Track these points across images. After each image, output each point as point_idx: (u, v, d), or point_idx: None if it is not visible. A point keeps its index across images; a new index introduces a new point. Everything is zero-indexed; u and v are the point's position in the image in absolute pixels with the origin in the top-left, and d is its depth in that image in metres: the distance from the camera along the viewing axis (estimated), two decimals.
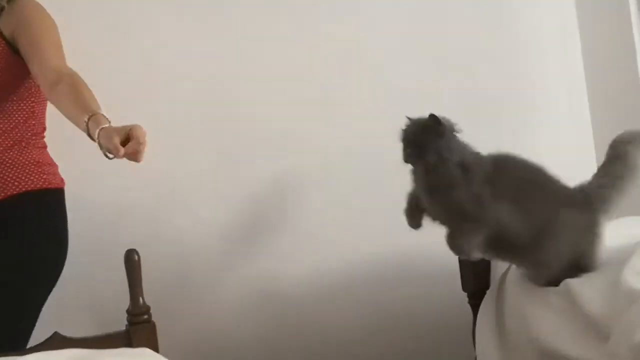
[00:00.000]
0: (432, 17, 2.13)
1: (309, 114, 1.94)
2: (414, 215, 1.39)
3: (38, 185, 1.55)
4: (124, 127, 1.25)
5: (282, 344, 1.95)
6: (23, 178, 1.54)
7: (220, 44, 1.94)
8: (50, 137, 1.66)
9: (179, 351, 1.75)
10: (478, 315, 1.60)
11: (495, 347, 1.55)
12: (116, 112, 1.77)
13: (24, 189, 1.53)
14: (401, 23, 2.09)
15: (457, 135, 1.31)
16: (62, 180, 1.64)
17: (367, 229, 1.99)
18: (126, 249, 1.43)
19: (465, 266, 1.70)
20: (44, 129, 1.65)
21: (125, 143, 1.23)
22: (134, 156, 1.23)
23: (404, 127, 1.31)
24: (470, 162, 1.29)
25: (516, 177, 1.36)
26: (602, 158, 2.30)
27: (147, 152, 1.79)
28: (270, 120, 1.95)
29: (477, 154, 1.34)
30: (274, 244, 1.94)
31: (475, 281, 1.67)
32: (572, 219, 1.33)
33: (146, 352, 1.33)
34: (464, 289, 1.72)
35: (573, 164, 2.28)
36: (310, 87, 1.91)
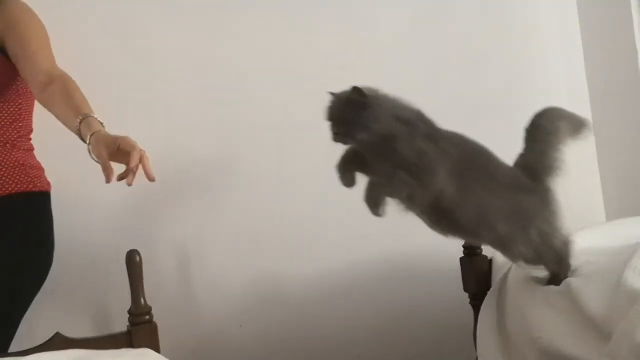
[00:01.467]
0: (432, 17, 2.13)
1: (309, 114, 1.93)
2: (346, 170, 1.27)
3: (22, 188, 1.53)
4: (113, 139, 1.24)
5: (283, 345, 1.95)
6: (7, 180, 1.52)
7: (220, 45, 1.94)
8: (50, 137, 1.66)
9: (180, 351, 1.76)
10: (479, 316, 1.60)
11: (496, 347, 1.55)
12: (116, 112, 1.79)
13: (7, 192, 1.51)
14: (401, 22, 2.09)
15: (390, 99, 1.22)
16: (48, 183, 1.62)
17: (369, 230, 1.98)
18: (127, 250, 1.43)
19: (467, 267, 1.70)
20: (31, 130, 1.63)
21: (115, 154, 1.23)
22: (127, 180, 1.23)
23: (328, 105, 1.22)
24: (409, 116, 1.21)
25: (460, 147, 1.27)
26: (603, 156, 2.34)
27: (149, 153, 1.82)
28: (271, 120, 1.95)
29: (418, 111, 1.25)
30: (275, 245, 1.94)
31: (477, 282, 1.67)
32: (523, 201, 1.29)
33: (147, 352, 1.34)
34: (466, 289, 1.72)
35: (573, 163, 2.30)
36: (310, 87, 1.91)
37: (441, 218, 1.28)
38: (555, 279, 1.37)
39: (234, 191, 1.93)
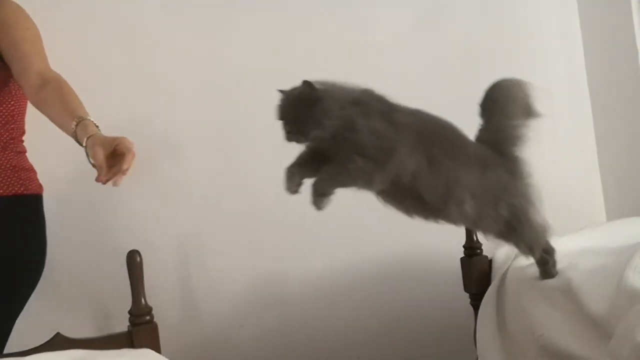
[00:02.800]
0: (432, 17, 2.13)
1: None
2: (296, 175, 1.20)
3: (14, 191, 1.52)
4: (111, 140, 1.24)
5: (283, 345, 1.95)
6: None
7: (220, 45, 1.94)
8: (52, 136, 1.66)
9: (180, 352, 1.76)
10: (478, 315, 1.60)
11: (496, 346, 1.55)
12: (117, 112, 1.79)
13: None
14: (402, 23, 2.09)
15: (340, 88, 1.16)
16: (40, 186, 1.61)
17: (369, 230, 1.99)
18: (128, 250, 1.43)
19: (467, 267, 1.70)
20: (23, 132, 1.61)
21: (111, 156, 1.23)
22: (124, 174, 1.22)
23: (278, 104, 1.18)
24: (359, 97, 1.16)
25: (420, 119, 1.22)
26: (603, 156, 2.34)
27: (150, 154, 1.83)
28: (272, 120, 1.94)
29: (368, 90, 1.20)
30: (275, 245, 1.94)
31: (477, 282, 1.67)
32: (491, 174, 1.24)
33: (148, 352, 1.33)
34: (466, 289, 1.72)
35: (574, 162, 2.30)
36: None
37: (405, 197, 1.22)
38: (540, 261, 1.33)
39: (234, 191, 1.93)
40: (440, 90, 2.06)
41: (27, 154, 1.62)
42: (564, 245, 1.65)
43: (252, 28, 1.96)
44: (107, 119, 1.78)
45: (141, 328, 1.40)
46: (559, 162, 2.28)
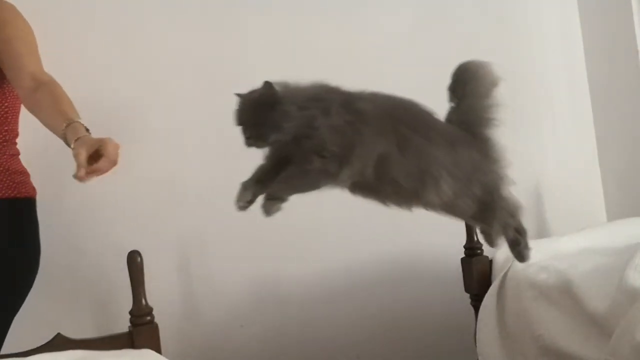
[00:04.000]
0: (433, 18, 2.13)
1: None
2: (249, 189, 1.16)
3: (6, 195, 1.50)
4: (96, 141, 1.24)
5: (283, 345, 1.95)
6: None
7: (221, 46, 1.94)
8: (46, 138, 1.66)
9: (181, 352, 1.76)
10: (479, 316, 1.60)
11: (496, 346, 1.55)
12: (117, 112, 1.79)
13: None
14: (402, 23, 2.09)
15: (297, 89, 1.13)
16: (33, 189, 1.59)
17: (370, 231, 1.99)
18: (129, 251, 1.43)
19: (468, 267, 1.70)
20: (17, 135, 1.59)
21: (96, 156, 1.22)
22: (98, 174, 1.22)
23: (236, 108, 1.14)
24: (319, 94, 1.12)
25: (385, 101, 1.18)
26: (604, 157, 2.34)
27: (150, 154, 1.83)
28: None
29: (325, 85, 1.15)
30: (276, 245, 1.94)
31: (478, 282, 1.67)
32: (464, 153, 1.20)
33: (149, 353, 1.33)
34: (467, 290, 1.72)
35: (574, 162, 2.30)
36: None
37: (379, 185, 1.17)
38: (513, 242, 1.27)
39: (234, 192, 1.93)
40: (440, 90, 2.05)
41: (21, 157, 1.60)
42: (564, 245, 1.65)
43: (252, 28, 1.96)
44: (107, 119, 1.79)
45: (142, 328, 1.40)
46: (559, 162, 2.28)
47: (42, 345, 1.34)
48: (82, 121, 1.32)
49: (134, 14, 1.87)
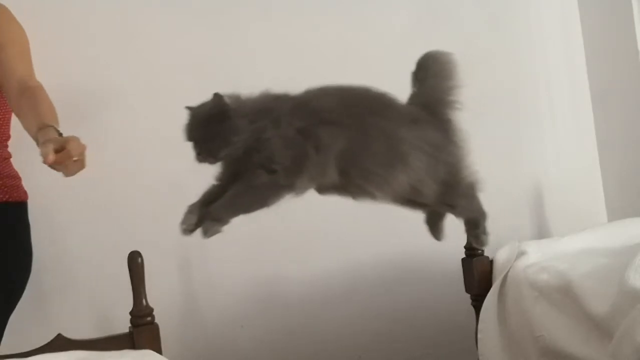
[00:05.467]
0: (433, 17, 2.13)
1: None
2: (194, 213, 1.13)
3: None
4: (63, 139, 1.24)
5: (284, 346, 1.95)
6: None
7: (221, 45, 1.94)
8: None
9: (182, 352, 1.76)
10: (480, 316, 1.60)
11: (497, 347, 1.55)
12: (118, 113, 1.79)
13: None
14: (403, 23, 2.09)
15: (248, 100, 1.09)
16: (25, 193, 1.58)
17: (370, 231, 1.99)
18: (129, 251, 1.43)
19: (469, 268, 1.70)
20: (8, 138, 1.57)
21: (65, 156, 1.21)
22: (64, 169, 1.21)
23: (186, 122, 1.10)
24: (269, 105, 1.08)
25: (339, 92, 1.15)
26: (605, 157, 2.34)
27: (151, 154, 1.83)
28: None
29: (278, 95, 1.12)
30: (276, 246, 1.94)
31: (479, 283, 1.67)
32: (427, 133, 1.17)
33: (149, 354, 1.33)
34: (468, 290, 1.72)
35: (575, 163, 2.30)
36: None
37: (345, 180, 1.13)
38: (472, 225, 1.26)
39: None
40: None
41: (12, 160, 1.59)
42: (565, 246, 1.65)
43: (252, 29, 1.97)
44: (107, 119, 1.79)
45: (142, 329, 1.40)
46: (560, 162, 2.28)
47: (42, 346, 1.34)
48: (57, 127, 1.32)
49: (135, 15, 1.87)
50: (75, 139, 1.23)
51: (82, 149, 1.22)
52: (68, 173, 1.22)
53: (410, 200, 1.20)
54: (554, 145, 2.27)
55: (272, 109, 1.07)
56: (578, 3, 2.30)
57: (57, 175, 1.69)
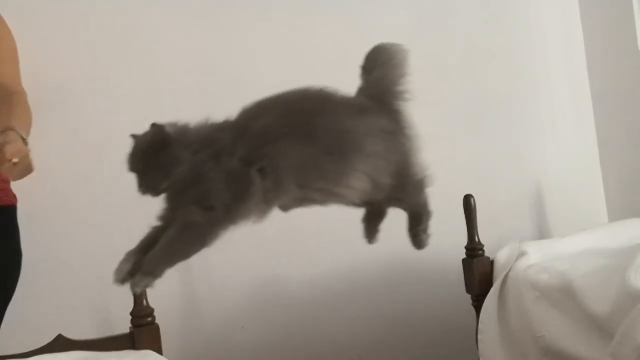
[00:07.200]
0: (434, 17, 2.13)
1: None
2: (129, 262, 1.06)
3: None
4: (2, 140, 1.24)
5: (284, 346, 1.95)
6: None
7: (221, 45, 1.94)
8: (56, 138, 1.66)
9: (182, 353, 1.76)
10: (480, 316, 1.60)
11: (498, 346, 1.55)
12: (118, 113, 1.79)
13: None
14: (403, 23, 2.09)
15: (196, 128, 1.05)
16: (14, 196, 1.57)
17: None
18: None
19: (469, 268, 1.70)
20: None
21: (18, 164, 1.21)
22: (8, 173, 1.21)
23: (129, 152, 1.04)
24: (211, 134, 1.04)
25: (283, 110, 1.10)
26: (605, 158, 2.34)
27: None
28: None
29: (221, 123, 1.08)
30: (277, 247, 1.94)
31: (479, 283, 1.67)
32: (377, 123, 1.13)
33: (150, 354, 1.34)
34: (468, 291, 1.72)
35: (576, 163, 2.30)
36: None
37: (304, 192, 1.10)
38: (415, 219, 1.23)
39: None
40: (441, 90, 2.06)
41: None
42: (565, 246, 1.65)
43: (252, 29, 1.97)
44: (108, 120, 1.79)
45: (143, 329, 1.41)
46: (560, 163, 2.28)
47: (43, 346, 1.34)
48: (21, 132, 1.31)
49: (135, 15, 1.87)
50: (13, 141, 1.22)
51: (21, 152, 1.21)
52: (11, 177, 1.22)
53: (369, 199, 1.17)
54: (554, 145, 2.27)
55: (214, 140, 1.02)
56: (578, 3, 2.30)
57: (57, 176, 1.70)
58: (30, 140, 1.38)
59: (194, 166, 0.99)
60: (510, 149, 2.20)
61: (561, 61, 2.30)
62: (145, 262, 1.01)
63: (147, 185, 1.03)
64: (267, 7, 1.98)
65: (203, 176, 0.99)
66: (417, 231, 1.22)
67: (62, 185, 1.73)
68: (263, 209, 1.08)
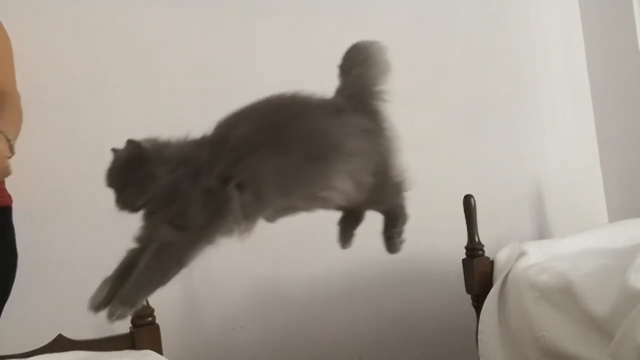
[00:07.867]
0: (434, 17, 2.13)
1: None
2: (106, 290, 1.02)
3: None
4: None
5: (284, 346, 1.95)
6: None
7: (221, 45, 1.94)
8: (56, 138, 1.66)
9: (182, 353, 1.76)
10: (480, 317, 1.60)
11: (498, 347, 1.55)
12: (117, 112, 1.79)
13: None
14: (401, 22, 2.09)
15: (175, 144, 1.05)
16: (9, 197, 1.56)
17: (370, 232, 1.98)
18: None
19: (469, 268, 1.70)
20: None
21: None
22: None
23: (108, 167, 1.03)
24: (190, 152, 1.02)
25: (259, 119, 1.08)
26: (605, 158, 2.34)
27: None
28: None
29: (200, 139, 1.06)
30: (277, 247, 1.94)
31: (479, 283, 1.67)
32: (356, 122, 1.11)
33: (150, 354, 1.33)
34: (468, 291, 1.72)
35: (576, 163, 2.30)
36: (311, 88, 1.91)
37: (288, 201, 1.11)
38: (391, 221, 1.23)
39: None
40: (441, 90, 2.06)
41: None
42: (565, 247, 1.65)
43: (252, 29, 1.97)
44: (108, 120, 1.79)
45: (143, 329, 1.40)
46: (560, 163, 2.28)
47: (43, 346, 1.34)
48: (7, 134, 1.32)
49: (135, 15, 1.87)
50: None
51: None
52: None
53: (351, 202, 1.15)
54: (554, 145, 2.27)
55: (191, 157, 1.01)
56: (578, 3, 2.30)
57: (56, 177, 1.69)
58: (16, 143, 1.38)
59: (170, 184, 0.97)
60: (510, 149, 2.20)
61: (561, 61, 2.30)
62: (122, 293, 0.97)
63: (125, 202, 1.01)
64: (267, 7, 1.98)
65: (179, 194, 0.97)
66: (392, 234, 1.21)
67: (62, 185, 1.73)
68: (245, 225, 1.07)
